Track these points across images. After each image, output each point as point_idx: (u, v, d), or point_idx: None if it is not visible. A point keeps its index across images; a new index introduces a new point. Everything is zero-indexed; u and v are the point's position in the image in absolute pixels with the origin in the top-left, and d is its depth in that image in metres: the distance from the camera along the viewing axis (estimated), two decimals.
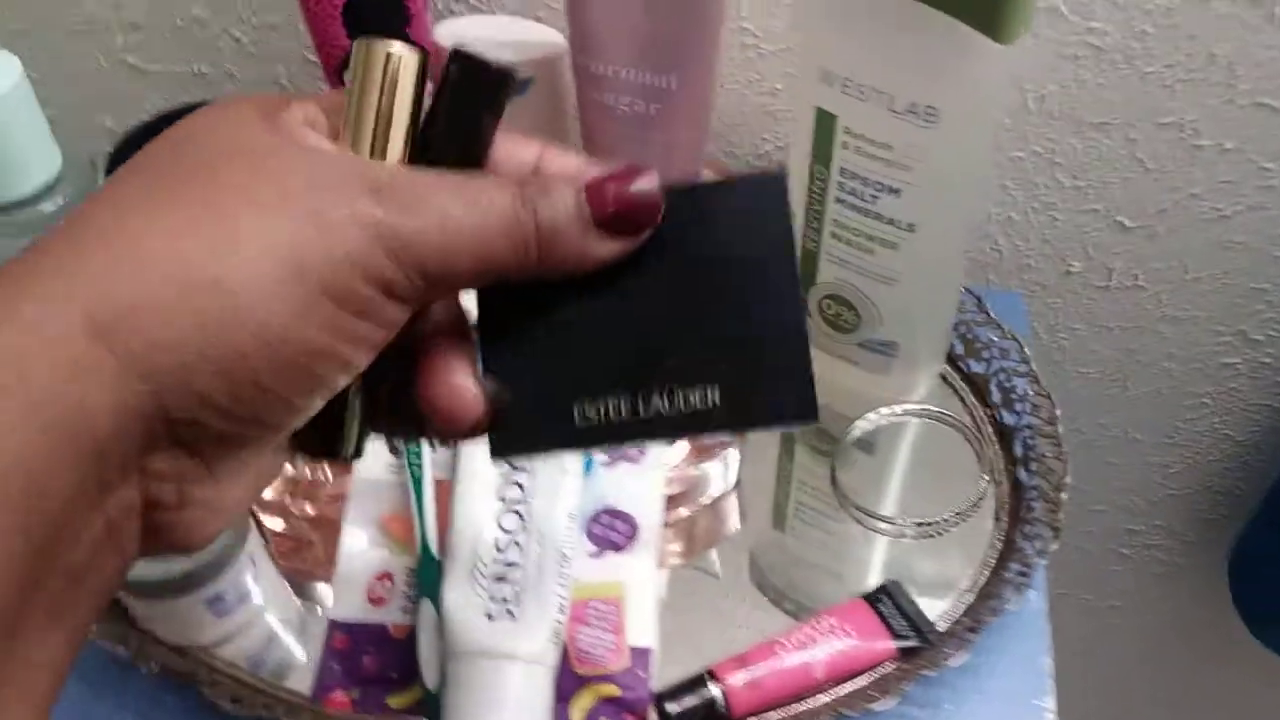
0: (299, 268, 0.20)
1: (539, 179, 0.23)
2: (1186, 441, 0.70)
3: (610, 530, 0.46)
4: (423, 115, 0.24)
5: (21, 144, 0.40)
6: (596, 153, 0.50)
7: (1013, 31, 0.38)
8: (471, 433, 0.24)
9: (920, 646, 0.44)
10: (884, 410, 0.52)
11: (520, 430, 0.24)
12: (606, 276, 0.24)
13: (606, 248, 0.23)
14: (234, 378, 0.20)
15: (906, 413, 0.52)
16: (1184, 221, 0.58)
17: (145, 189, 0.21)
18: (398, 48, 0.23)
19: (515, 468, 0.45)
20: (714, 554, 0.49)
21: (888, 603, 0.45)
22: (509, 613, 0.41)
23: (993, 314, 0.53)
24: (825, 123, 0.44)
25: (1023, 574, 0.44)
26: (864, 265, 0.48)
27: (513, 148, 0.24)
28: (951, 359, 0.54)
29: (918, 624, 0.45)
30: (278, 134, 0.22)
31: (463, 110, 0.23)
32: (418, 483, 0.46)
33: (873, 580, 0.47)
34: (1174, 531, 0.76)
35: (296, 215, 0.20)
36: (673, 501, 0.49)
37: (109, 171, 0.51)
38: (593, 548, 0.46)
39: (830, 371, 0.53)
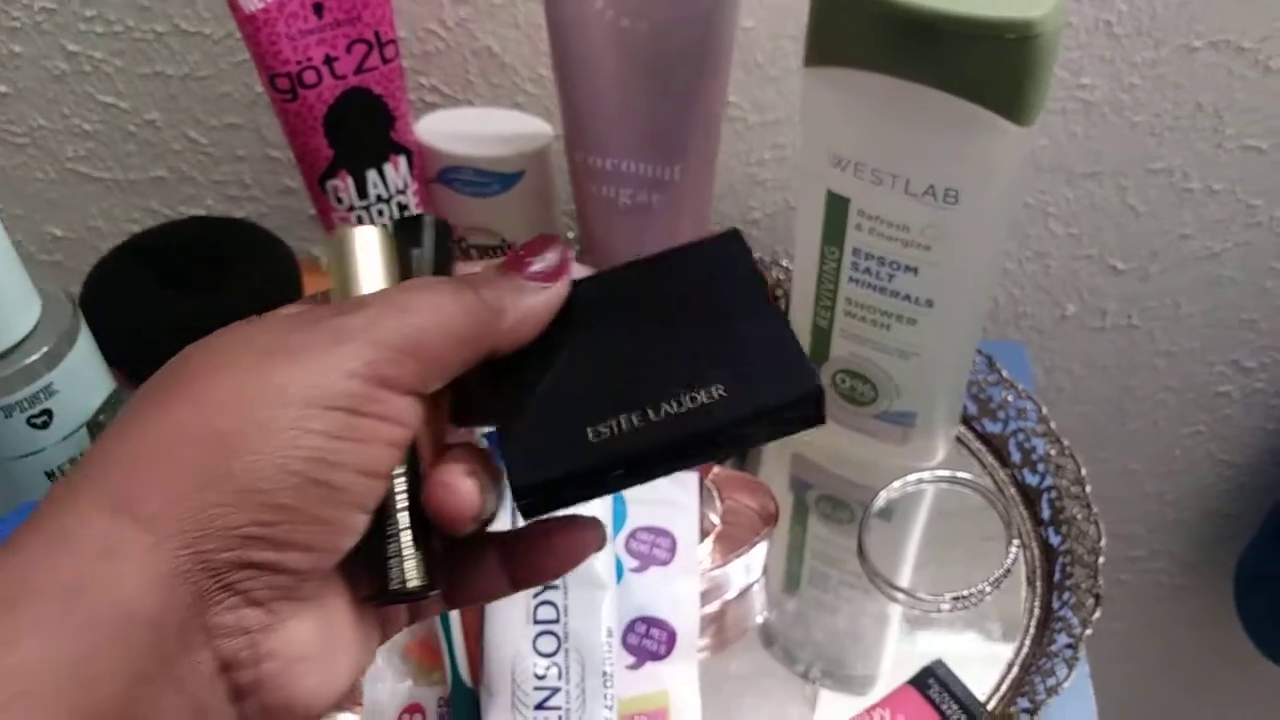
0: (283, 393, 0.22)
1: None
2: (1184, 469, 0.70)
3: (646, 639, 0.45)
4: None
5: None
6: (596, 244, 0.49)
7: (1033, 115, 0.38)
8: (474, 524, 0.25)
9: None
10: (908, 478, 0.51)
11: (536, 460, 0.25)
12: (596, 337, 0.26)
13: (545, 293, 0.26)
14: (254, 503, 0.21)
15: (930, 480, 0.52)
16: (1175, 261, 0.58)
17: (140, 396, 0.23)
18: (363, 229, 0.26)
19: (546, 586, 0.43)
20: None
21: (936, 687, 0.44)
22: None
23: (1006, 374, 0.53)
24: (837, 205, 0.43)
25: (1071, 646, 0.44)
26: (880, 341, 0.47)
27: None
28: (965, 419, 0.54)
29: (969, 707, 0.43)
30: (249, 325, 0.25)
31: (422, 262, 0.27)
32: None
33: (907, 650, 0.46)
34: (1174, 554, 0.77)
35: (272, 359, 0.22)
36: (701, 599, 0.47)
37: (82, 300, 0.48)
38: (631, 659, 0.44)
39: (847, 444, 0.52)
